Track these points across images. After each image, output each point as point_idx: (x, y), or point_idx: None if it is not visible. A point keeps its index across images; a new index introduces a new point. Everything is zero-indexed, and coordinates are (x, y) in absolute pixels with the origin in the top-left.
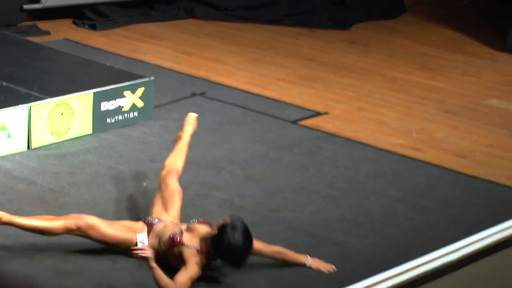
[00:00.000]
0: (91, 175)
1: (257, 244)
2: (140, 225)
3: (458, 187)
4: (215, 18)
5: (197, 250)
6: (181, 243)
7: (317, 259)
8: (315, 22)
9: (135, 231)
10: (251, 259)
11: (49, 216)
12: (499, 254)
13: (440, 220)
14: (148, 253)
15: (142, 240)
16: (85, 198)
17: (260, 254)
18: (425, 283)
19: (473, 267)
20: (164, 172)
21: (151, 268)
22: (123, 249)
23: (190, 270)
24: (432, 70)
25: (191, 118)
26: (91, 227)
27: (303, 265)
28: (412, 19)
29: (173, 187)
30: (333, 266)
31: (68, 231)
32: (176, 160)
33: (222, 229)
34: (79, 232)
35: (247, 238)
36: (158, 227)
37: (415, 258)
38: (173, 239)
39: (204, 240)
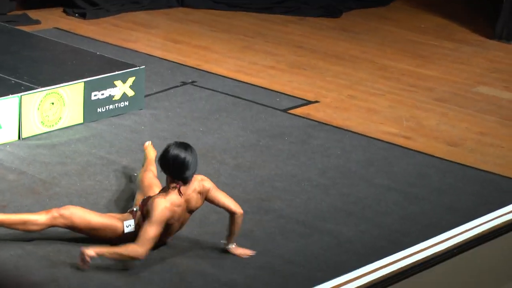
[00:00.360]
0: (82, 165)
1: (217, 192)
2: (126, 215)
3: (449, 175)
4: (206, 6)
5: (158, 196)
6: (143, 204)
7: (238, 248)
8: (305, 9)
9: (122, 219)
10: (240, 244)
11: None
12: (492, 242)
13: (432, 208)
14: (88, 253)
15: (129, 225)
16: (76, 188)
17: (213, 201)
18: (418, 272)
19: (466, 256)
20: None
21: (102, 255)
22: (110, 238)
23: (150, 220)
24: (422, 57)
25: (148, 147)
26: (75, 213)
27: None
28: (402, 6)
29: (151, 179)
30: (251, 251)
31: (53, 219)
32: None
33: (164, 150)
34: (64, 220)
35: (187, 148)
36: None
37: (407, 247)
38: (139, 206)
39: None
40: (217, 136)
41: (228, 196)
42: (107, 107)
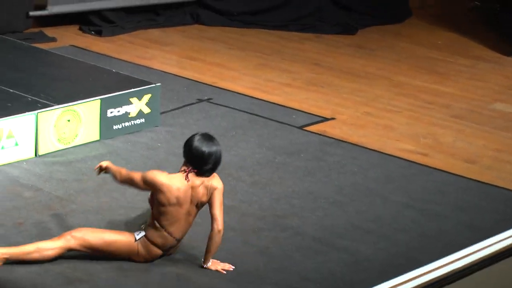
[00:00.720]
0: (99, 182)
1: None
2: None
3: (467, 192)
4: (221, 23)
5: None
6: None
7: (216, 261)
8: (321, 27)
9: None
10: (256, 260)
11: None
12: (511, 259)
13: (450, 225)
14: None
15: (139, 233)
16: (93, 205)
17: (209, 203)
18: None
19: (484, 273)
20: None
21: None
22: (127, 253)
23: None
24: (438, 74)
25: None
26: (86, 232)
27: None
28: (418, 23)
29: None
30: (230, 265)
31: (66, 241)
32: None
33: (190, 136)
34: (77, 241)
35: (211, 141)
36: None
37: (425, 264)
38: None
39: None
40: (233, 153)
41: (222, 209)
42: (123, 124)
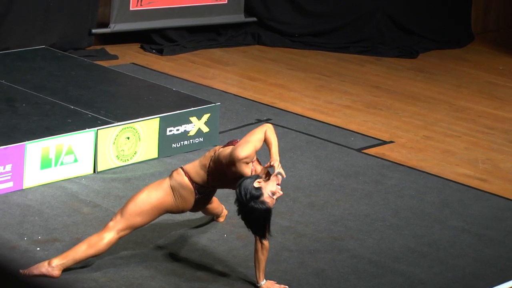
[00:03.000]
0: None
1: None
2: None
3: None
4: (282, 44)
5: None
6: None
7: (272, 282)
8: (381, 49)
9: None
10: (312, 283)
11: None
12: None
13: (508, 252)
14: None
15: None
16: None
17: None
18: None
19: None
20: None
21: None
22: (163, 200)
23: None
24: (499, 99)
25: None
26: (126, 205)
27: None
28: (479, 48)
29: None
30: (286, 286)
31: (115, 227)
32: None
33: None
34: (124, 221)
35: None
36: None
37: None
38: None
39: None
40: (291, 174)
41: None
42: (181, 142)
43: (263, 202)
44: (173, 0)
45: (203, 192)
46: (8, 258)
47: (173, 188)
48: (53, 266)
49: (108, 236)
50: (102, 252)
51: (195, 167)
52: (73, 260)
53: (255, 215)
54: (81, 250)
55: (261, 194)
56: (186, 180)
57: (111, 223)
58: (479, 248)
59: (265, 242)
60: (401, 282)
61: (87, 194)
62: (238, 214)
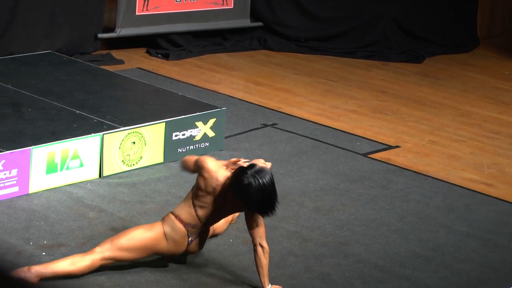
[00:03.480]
0: (161, 204)
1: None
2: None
3: None
4: (288, 49)
5: None
6: None
7: (277, 287)
8: (387, 54)
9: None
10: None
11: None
12: None
13: None
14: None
15: None
16: None
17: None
18: None
19: None
20: None
21: None
22: (155, 242)
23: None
24: (505, 104)
25: None
26: (118, 237)
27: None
28: (485, 53)
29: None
30: None
31: (101, 254)
32: None
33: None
34: (112, 251)
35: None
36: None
37: None
38: None
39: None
40: (297, 178)
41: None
42: (187, 147)
43: (255, 169)
44: (179, 5)
45: (195, 233)
46: (14, 263)
47: (166, 233)
48: (32, 272)
49: (91, 260)
50: (81, 273)
51: (184, 207)
52: (53, 272)
53: (264, 181)
54: (63, 265)
55: (246, 168)
56: (178, 224)
57: (98, 249)
58: (485, 253)
59: (265, 245)
60: (406, 286)
61: (93, 199)
62: (248, 199)
